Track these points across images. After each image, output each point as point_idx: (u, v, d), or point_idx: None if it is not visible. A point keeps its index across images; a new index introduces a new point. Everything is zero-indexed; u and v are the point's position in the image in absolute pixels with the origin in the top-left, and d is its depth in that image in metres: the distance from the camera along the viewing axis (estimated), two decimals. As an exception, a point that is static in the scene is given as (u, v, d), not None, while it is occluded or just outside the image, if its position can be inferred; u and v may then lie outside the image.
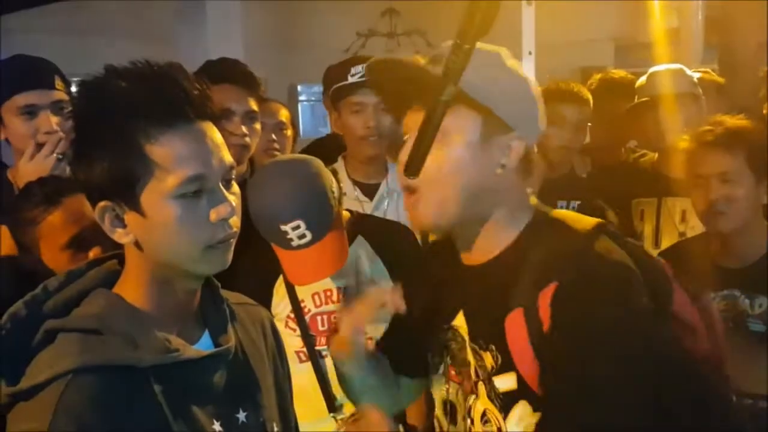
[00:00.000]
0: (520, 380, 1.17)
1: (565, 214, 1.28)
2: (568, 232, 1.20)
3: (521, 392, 1.17)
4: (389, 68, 1.27)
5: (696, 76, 3.06)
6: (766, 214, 1.99)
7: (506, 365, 1.18)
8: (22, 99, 1.94)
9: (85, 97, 1.05)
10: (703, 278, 1.90)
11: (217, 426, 1.09)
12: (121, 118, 1.01)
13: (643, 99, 2.52)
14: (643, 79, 2.59)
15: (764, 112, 3.57)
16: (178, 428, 1.03)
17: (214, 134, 1.07)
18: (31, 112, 1.94)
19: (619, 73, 3.06)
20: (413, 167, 1.15)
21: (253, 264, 1.86)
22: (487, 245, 1.24)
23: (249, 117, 2.14)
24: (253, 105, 2.16)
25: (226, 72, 2.15)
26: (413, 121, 1.21)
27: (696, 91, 2.52)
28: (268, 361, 1.27)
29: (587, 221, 1.23)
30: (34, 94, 1.94)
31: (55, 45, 5.50)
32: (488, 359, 1.21)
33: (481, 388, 1.23)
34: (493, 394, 1.21)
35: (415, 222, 1.26)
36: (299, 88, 12.14)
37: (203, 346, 1.13)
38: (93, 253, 1.53)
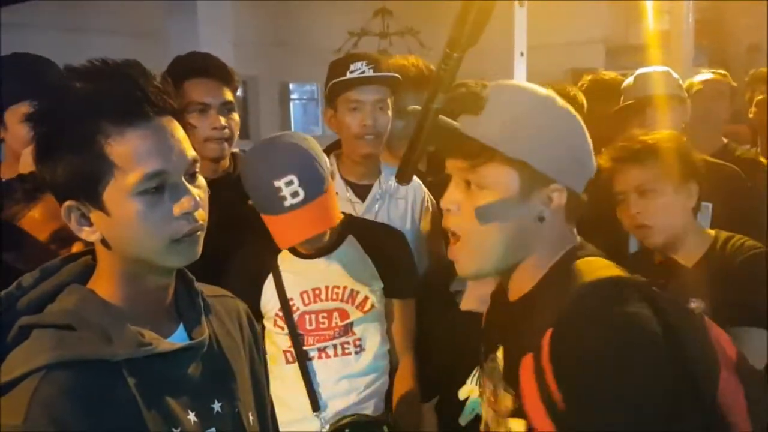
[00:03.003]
0: (530, 429, 1.15)
1: (589, 259, 1.21)
2: (577, 277, 1.15)
3: None
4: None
5: (708, 76, 3.10)
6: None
7: (520, 411, 1.18)
8: (28, 107, 1.93)
9: (45, 99, 1.06)
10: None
11: (192, 416, 1.11)
12: (80, 119, 1.02)
13: (629, 101, 2.55)
14: (629, 81, 2.61)
15: (750, 116, 3.61)
16: (153, 420, 1.04)
17: (175, 129, 1.07)
18: None
19: (610, 74, 3.06)
20: (404, 175, 1.16)
21: (245, 263, 1.92)
22: (521, 283, 1.23)
23: (226, 108, 2.14)
24: (229, 95, 2.15)
25: (197, 67, 2.13)
26: (451, 167, 1.22)
27: (681, 93, 2.54)
28: (244, 351, 1.28)
29: (604, 270, 1.17)
30: None
31: (47, 41, 5.49)
32: (507, 401, 1.21)
33: (503, 425, 1.23)
34: None
35: (458, 269, 1.25)
36: (291, 87, 12.16)
37: (178, 339, 1.14)
38: (76, 248, 1.53)
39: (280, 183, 1.69)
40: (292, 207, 1.70)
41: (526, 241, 1.19)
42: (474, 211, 1.18)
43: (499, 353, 1.27)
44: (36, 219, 1.58)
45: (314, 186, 1.72)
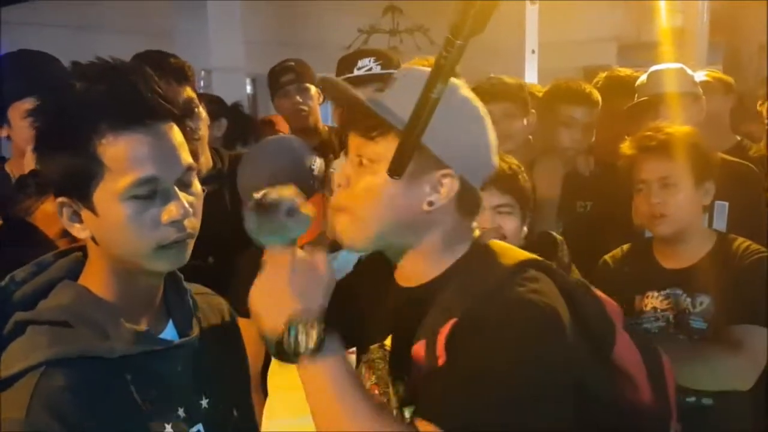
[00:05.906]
0: None
1: (499, 247, 1.22)
2: (488, 267, 1.16)
3: None
4: (336, 90, 1.25)
5: (702, 75, 3.06)
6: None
7: (409, 398, 1.17)
8: (32, 103, 1.93)
9: (45, 96, 1.08)
10: (647, 279, 2.04)
11: (181, 412, 1.13)
12: (76, 119, 1.03)
13: (643, 98, 2.52)
14: (643, 78, 2.58)
15: (758, 108, 3.57)
16: (147, 414, 1.07)
17: (172, 135, 1.08)
18: None
19: (625, 71, 3.03)
20: (397, 167, 1.11)
21: (253, 257, 1.90)
22: (420, 270, 1.21)
23: (188, 107, 2.09)
24: (189, 93, 2.10)
25: (155, 68, 2.09)
26: (350, 143, 1.20)
27: (696, 90, 2.51)
28: (227, 348, 1.31)
29: (514, 257, 1.18)
30: None
31: (55, 39, 5.50)
32: (400, 389, 1.20)
33: (398, 415, 1.22)
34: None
35: (344, 241, 1.22)
36: (301, 85, 12.15)
37: (168, 336, 1.17)
38: None
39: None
40: None
41: (414, 224, 1.17)
42: (362, 185, 1.16)
43: (388, 342, 1.25)
44: (48, 213, 1.60)
45: None
